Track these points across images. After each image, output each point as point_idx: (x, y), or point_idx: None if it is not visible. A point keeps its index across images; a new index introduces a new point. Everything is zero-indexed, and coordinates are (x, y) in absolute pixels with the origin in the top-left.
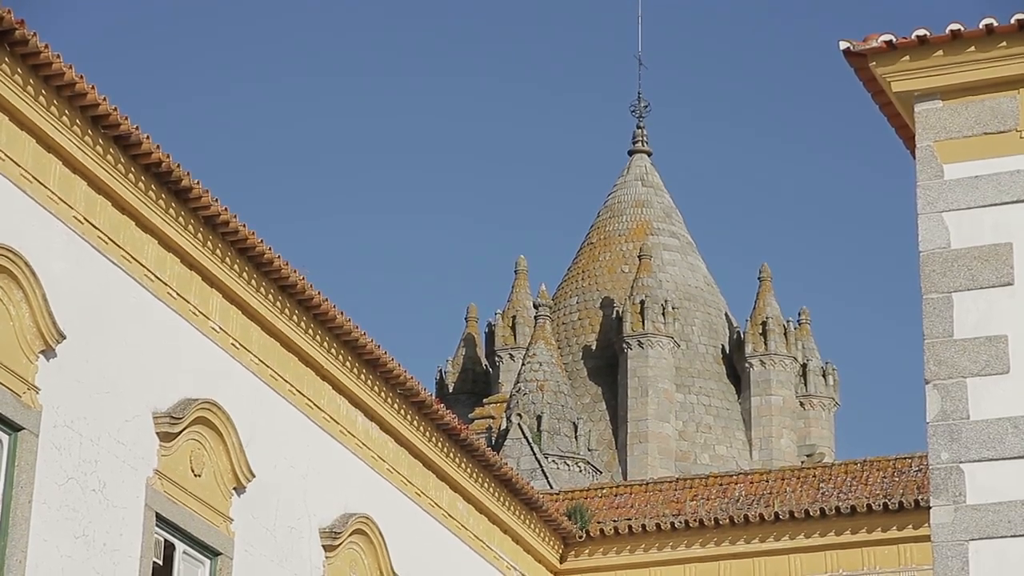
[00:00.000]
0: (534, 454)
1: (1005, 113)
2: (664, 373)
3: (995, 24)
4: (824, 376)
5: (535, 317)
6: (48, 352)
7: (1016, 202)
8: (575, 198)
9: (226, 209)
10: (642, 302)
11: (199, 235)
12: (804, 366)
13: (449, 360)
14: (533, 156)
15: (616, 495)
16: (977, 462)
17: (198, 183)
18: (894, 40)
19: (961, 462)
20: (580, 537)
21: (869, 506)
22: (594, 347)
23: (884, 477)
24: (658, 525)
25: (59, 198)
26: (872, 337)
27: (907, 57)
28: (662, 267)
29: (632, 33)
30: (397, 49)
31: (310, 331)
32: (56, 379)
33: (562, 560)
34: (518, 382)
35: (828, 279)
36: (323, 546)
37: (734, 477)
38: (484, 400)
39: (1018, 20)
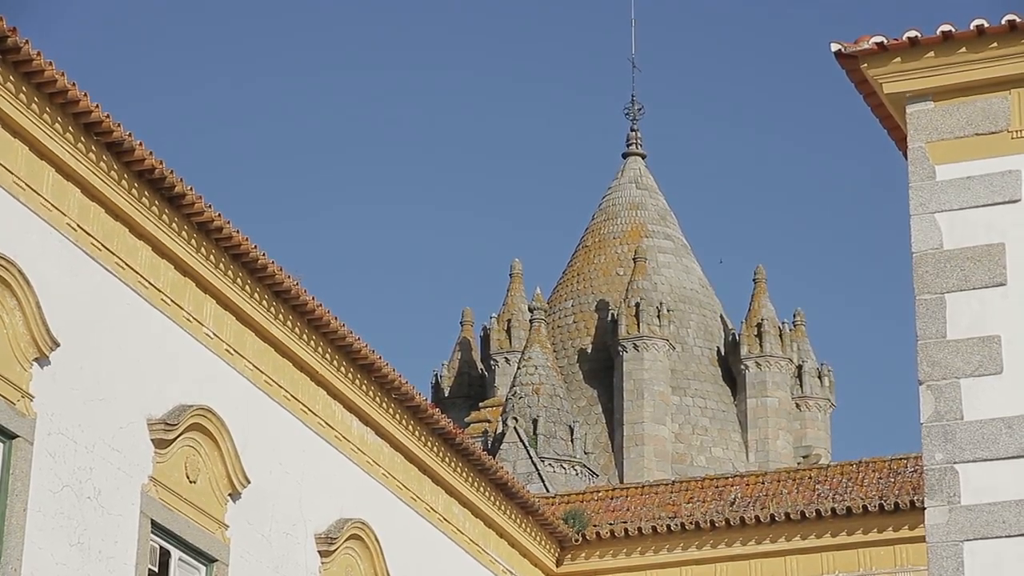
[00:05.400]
0: (530, 458)
1: (996, 113)
2: (660, 376)
3: (986, 25)
4: (820, 377)
5: (530, 320)
6: (42, 359)
7: (1008, 202)
8: (570, 201)
9: (219, 215)
10: (637, 305)
11: (192, 241)
12: (799, 367)
13: (445, 364)
14: (527, 159)
15: (612, 498)
16: (971, 462)
17: (191, 189)
18: (885, 41)
19: (955, 463)
20: (576, 540)
21: (865, 507)
22: (589, 350)
23: (880, 478)
24: (654, 528)
25: (52, 205)
26: (867, 338)
27: (898, 58)
28: (657, 269)
29: (625, 36)
30: (391, 53)
31: (304, 336)
32: (50, 386)
33: (558, 563)
34: (514, 386)
35: (823, 280)
36: (319, 552)
37: (730, 479)
38: (480, 404)
39: (1009, 21)
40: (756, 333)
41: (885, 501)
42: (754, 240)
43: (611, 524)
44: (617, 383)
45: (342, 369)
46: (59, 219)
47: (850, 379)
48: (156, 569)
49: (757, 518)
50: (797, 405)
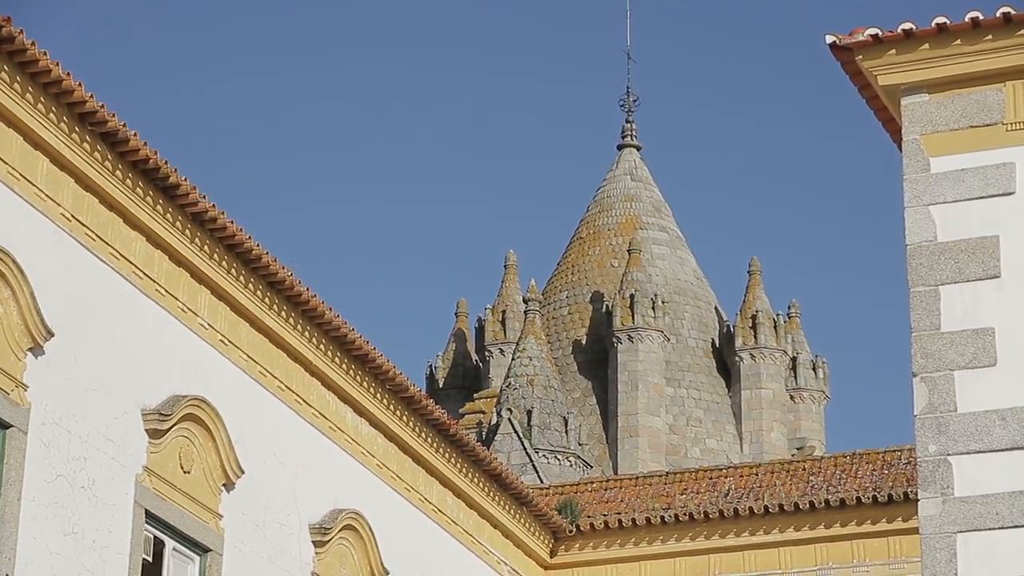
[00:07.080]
0: (524, 449)
1: (991, 106)
2: (654, 367)
3: (980, 17)
4: (814, 369)
5: (525, 312)
6: (36, 350)
7: (1002, 195)
8: (565, 193)
9: (214, 205)
10: (632, 296)
11: (187, 232)
12: (794, 359)
13: (439, 355)
14: (523, 151)
15: (606, 489)
16: (964, 454)
17: (186, 180)
18: (880, 34)
19: (949, 454)
20: (570, 531)
21: (858, 499)
22: (584, 341)
23: (873, 470)
24: (648, 519)
25: (47, 195)
26: (862, 330)
27: (893, 51)
28: (652, 261)
29: (620, 28)
30: (386, 46)
31: (299, 327)
32: (45, 377)
33: (552, 554)
34: (508, 377)
35: (818, 272)
36: (313, 542)
37: (724, 471)
38: (474, 395)
39: (1003, 13)
40: (751, 325)
41: (879, 493)
42: (749, 232)
43: (605, 515)
44: (611, 375)
45: (336, 360)
46: (53, 209)
47: (844, 371)
48: (150, 559)
49: (751, 510)
50: (791, 397)
